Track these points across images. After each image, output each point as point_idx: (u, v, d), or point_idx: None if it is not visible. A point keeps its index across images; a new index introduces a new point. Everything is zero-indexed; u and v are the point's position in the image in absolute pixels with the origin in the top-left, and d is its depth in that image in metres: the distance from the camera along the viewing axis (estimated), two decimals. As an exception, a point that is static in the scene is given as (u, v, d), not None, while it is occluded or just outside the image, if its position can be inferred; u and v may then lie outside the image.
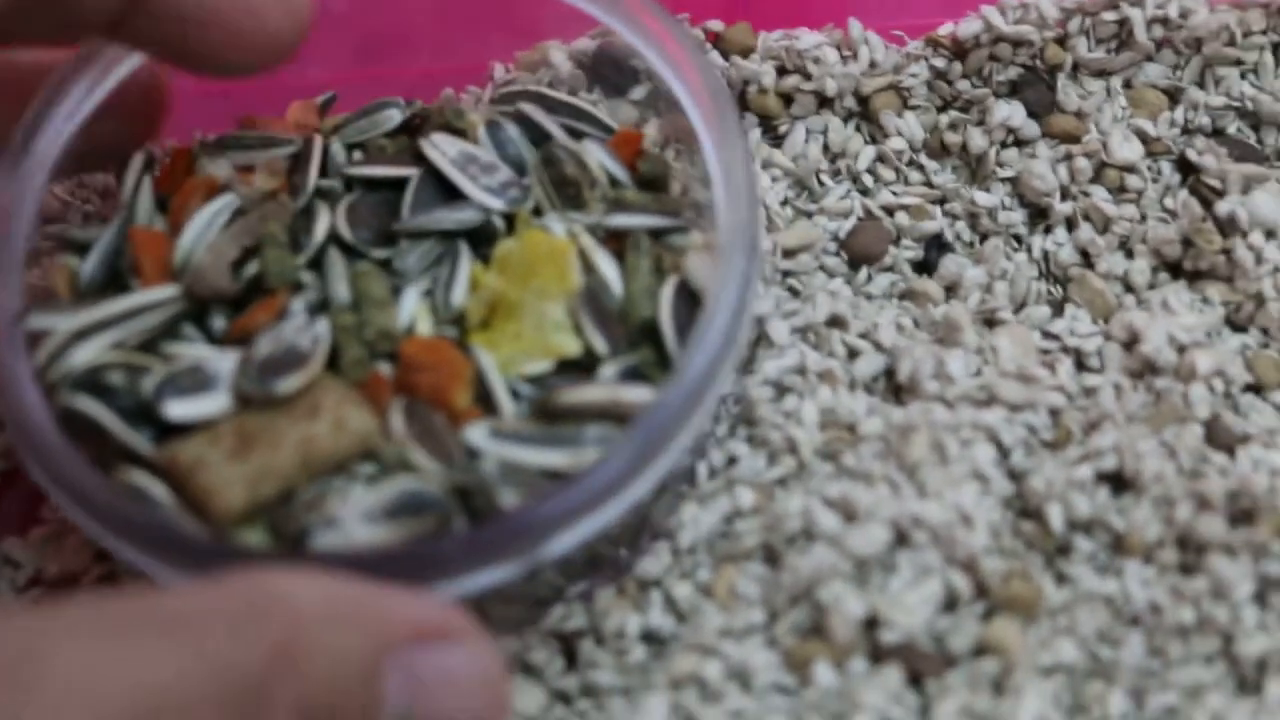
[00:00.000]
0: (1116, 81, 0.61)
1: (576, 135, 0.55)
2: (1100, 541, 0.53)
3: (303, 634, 0.36)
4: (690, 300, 0.51)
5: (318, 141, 0.55)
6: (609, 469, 0.46)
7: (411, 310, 0.51)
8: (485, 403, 0.49)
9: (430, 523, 0.47)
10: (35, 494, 0.50)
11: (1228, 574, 0.50)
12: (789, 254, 0.59)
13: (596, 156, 0.54)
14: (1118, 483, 0.53)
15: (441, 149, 0.54)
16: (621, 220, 0.53)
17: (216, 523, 0.47)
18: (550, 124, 0.55)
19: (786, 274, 0.58)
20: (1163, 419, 0.54)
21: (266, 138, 0.56)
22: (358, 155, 0.55)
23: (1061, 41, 0.61)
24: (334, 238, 0.52)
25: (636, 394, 0.49)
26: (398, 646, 0.38)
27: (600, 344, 0.50)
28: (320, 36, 0.54)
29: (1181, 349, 0.55)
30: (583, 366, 0.50)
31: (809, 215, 0.60)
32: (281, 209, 0.53)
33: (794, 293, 0.58)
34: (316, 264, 0.52)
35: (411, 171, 0.54)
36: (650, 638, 0.52)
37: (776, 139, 0.62)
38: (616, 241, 0.53)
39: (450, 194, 0.53)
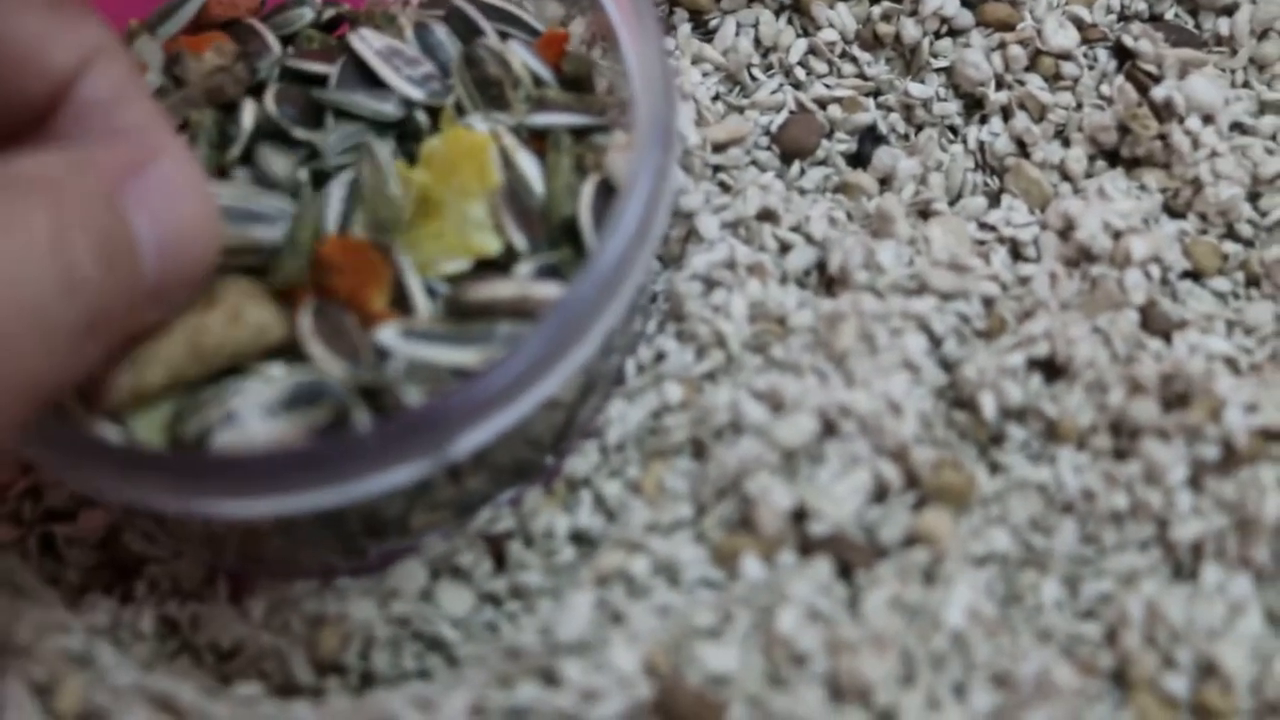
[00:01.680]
0: (1051, -33, 0.58)
1: (503, 37, 0.53)
2: (1033, 429, 0.50)
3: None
4: (611, 197, 0.48)
5: (262, 26, 0.54)
6: (516, 363, 0.44)
7: (339, 208, 0.48)
8: (402, 303, 0.47)
9: (326, 413, 0.45)
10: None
11: (1161, 458, 0.48)
12: (719, 148, 0.56)
13: (520, 56, 0.52)
14: (1050, 370, 0.51)
15: (368, 41, 0.52)
16: (543, 119, 0.50)
17: (99, 406, 0.45)
18: (481, 21, 0.53)
19: (717, 169, 0.56)
20: (1097, 305, 0.51)
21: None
22: (290, 50, 0.54)
23: (995, -73, 0.58)
24: (261, 130, 0.50)
25: (547, 289, 0.46)
26: (119, 183, 0.42)
27: (520, 242, 0.48)
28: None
29: (1117, 235, 0.52)
30: (503, 265, 0.48)
31: (740, 110, 0.57)
32: (235, 82, 0.51)
33: (724, 187, 0.55)
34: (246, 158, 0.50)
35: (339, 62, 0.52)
36: (579, 538, 0.50)
37: (707, 34, 0.59)
38: (540, 141, 0.50)
39: (375, 85, 0.51)
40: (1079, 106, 0.56)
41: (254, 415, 0.45)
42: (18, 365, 0.39)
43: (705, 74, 0.57)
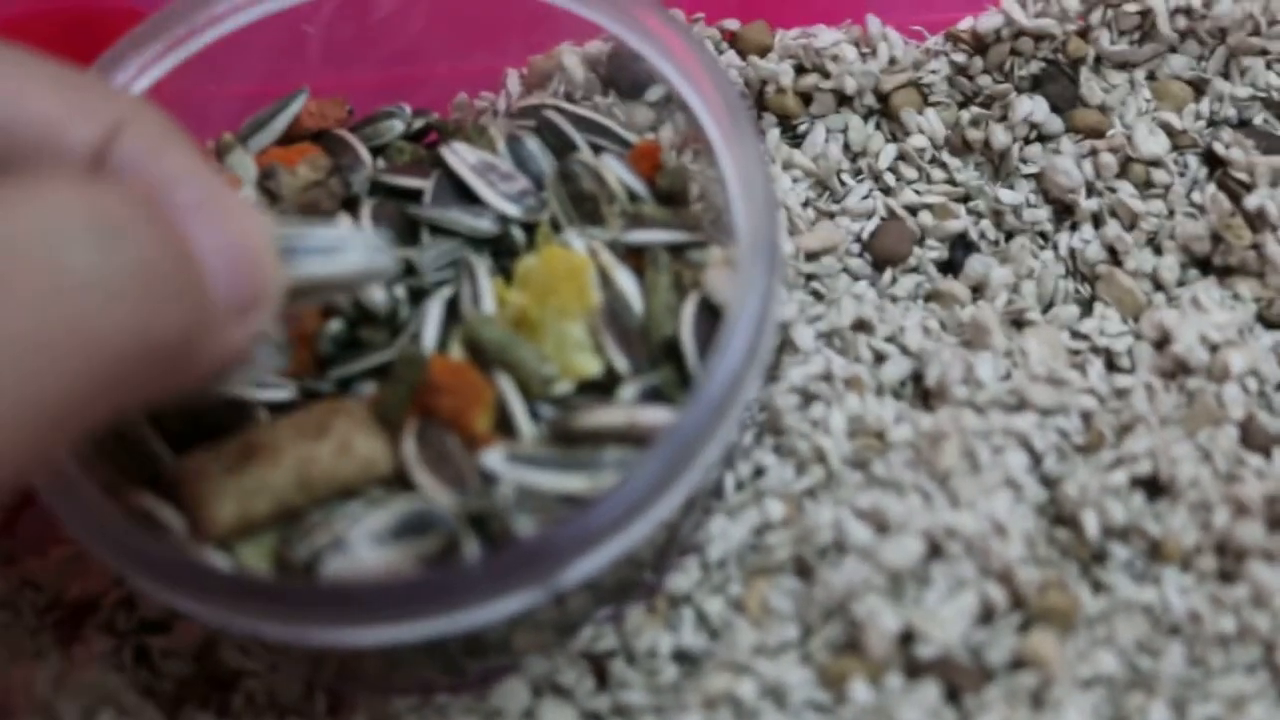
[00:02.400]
0: (1140, 74, 0.57)
1: (595, 150, 0.52)
2: (1137, 549, 0.49)
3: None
4: (711, 317, 0.47)
5: (353, 137, 0.53)
6: (628, 493, 0.43)
7: (436, 327, 0.48)
8: (504, 424, 0.46)
9: (437, 542, 0.44)
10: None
11: (1268, 581, 0.47)
12: (811, 257, 0.55)
13: (615, 171, 0.51)
14: (1153, 487, 0.50)
15: (461, 156, 0.51)
16: (640, 236, 0.49)
17: (205, 534, 0.44)
18: (574, 135, 0.52)
19: (810, 277, 0.55)
20: (1197, 421, 0.50)
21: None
22: (381, 163, 0.53)
23: (1084, 34, 0.57)
24: None
25: (655, 415, 0.45)
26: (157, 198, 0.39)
27: (621, 363, 0.47)
28: (333, 40, 0.54)
29: (1214, 348, 0.52)
30: (604, 386, 0.47)
31: (831, 216, 0.56)
32: (330, 197, 0.51)
33: (818, 296, 0.55)
34: None
35: (433, 177, 0.51)
36: (682, 657, 0.49)
37: (796, 139, 0.58)
38: (636, 258, 0.49)
39: (469, 200, 0.50)
40: (1170, 214, 0.55)
41: (363, 543, 0.44)
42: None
43: (795, 180, 0.57)
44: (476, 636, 0.47)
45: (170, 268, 0.38)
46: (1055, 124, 0.57)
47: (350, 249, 0.44)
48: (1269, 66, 0.57)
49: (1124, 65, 0.57)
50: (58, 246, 0.36)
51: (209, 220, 0.40)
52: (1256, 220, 0.54)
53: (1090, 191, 0.56)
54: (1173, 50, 0.58)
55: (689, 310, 0.48)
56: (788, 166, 0.57)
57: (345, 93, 0.56)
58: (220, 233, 0.40)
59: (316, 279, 0.43)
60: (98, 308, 0.37)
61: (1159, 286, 0.55)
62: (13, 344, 0.35)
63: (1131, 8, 0.57)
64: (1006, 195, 0.56)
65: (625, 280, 0.48)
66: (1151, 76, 0.58)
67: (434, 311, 0.48)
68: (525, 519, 0.44)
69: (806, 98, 0.58)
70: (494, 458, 0.45)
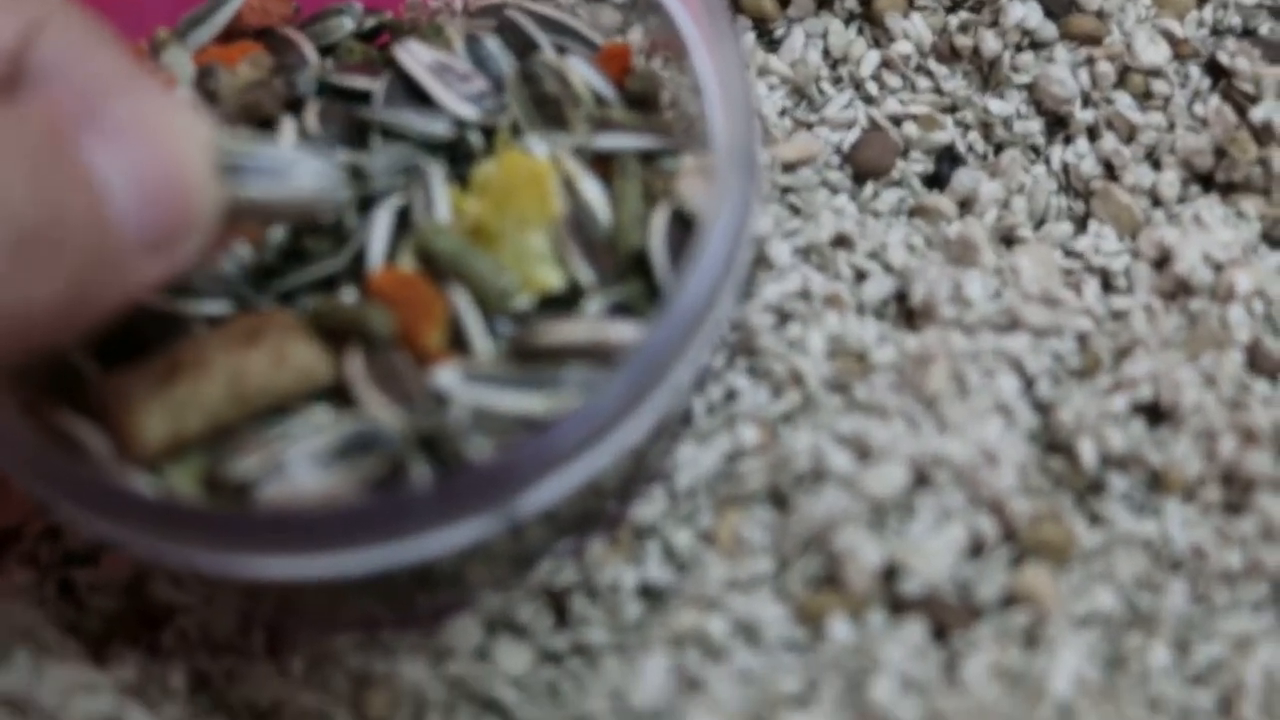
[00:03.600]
0: (1141, -23, 0.54)
1: (560, 51, 0.48)
2: (1136, 478, 0.46)
3: None
4: (683, 229, 0.44)
5: (299, 35, 0.50)
6: (591, 415, 0.40)
7: (385, 236, 0.44)
8: (458, 340, 0.42)
9: (382, 464, 0.41)
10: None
11: (1278, 513, 0.44)
12: (788, 168, 0.52)
13: (580, 72, 0.47)
14: (1153, 414, 0.47)
15: (415, 55, 0.47)
16: (608, 141, 0.46)
17: (134, 455, 0.41)
18: (537, 34, 0.48)
19: (786, 190, 0.51)
20: (1199, 344, 0.47)
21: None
22: (329, 63, 0.49)
23: (1081, -67, 0.54)
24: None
25: (622, 331, 0.42)
26: (68, 128, 0.37)
27: (586, 275, 0.43)
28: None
29: (1218, 268, 0.48)
30: (567, 300, 0.43)
31: (809, 126, 0.53)
32: (272, 97, 0.47)
33: (795, 210, 0.51)
34: None
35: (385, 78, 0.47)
36: (647, 592, 0.46)
37: (772, 43, 0.54)
38: (602, 165, 0.46)
39: (423, 103, 0.47)
40: (1171, 127, 0.52)
41: (302, 465, 0.41)
42: None
43: (771, 87, 0.53)
44: (425, 569, 0.43)
45: (59, 230, 0.36)
46: (1049, 30, 0.53)
47: (301, 172, 0.41)
48: (1278, -28, 0.54)
49: (1123, -32, 0.54)
50: None
51: (125, 141, 0.37)
52: (1263, 134, 0.50)
53: (1086, 102, 0.53)
54: (1175, -48, 0.54)
55: (659, 221, 0.44)
56: (763, 73, 0.53)
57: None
58: (137, 156, 0.37)
59: (260, 202, 0.40)
60: None
61: (1158, 203, 0.51)
62: None
63: (1133, -94, 0.53)
64: (996, 106, 0.53)
65: (591, 188, 0.45)
66: (1153, -20, 0.54)
67: (383, 220, 0.44)
68: (480, 441, 0.41)
69: (784, -1, 0.54)
70: (447, 376, 0.41)
